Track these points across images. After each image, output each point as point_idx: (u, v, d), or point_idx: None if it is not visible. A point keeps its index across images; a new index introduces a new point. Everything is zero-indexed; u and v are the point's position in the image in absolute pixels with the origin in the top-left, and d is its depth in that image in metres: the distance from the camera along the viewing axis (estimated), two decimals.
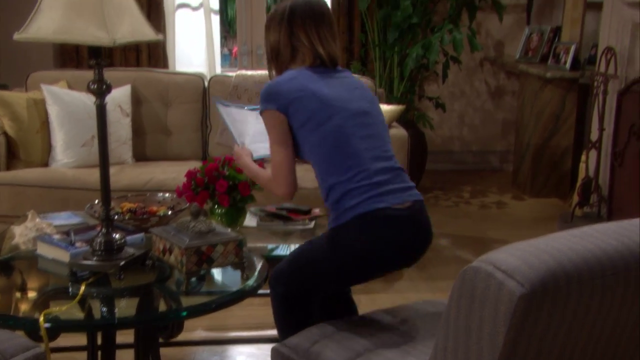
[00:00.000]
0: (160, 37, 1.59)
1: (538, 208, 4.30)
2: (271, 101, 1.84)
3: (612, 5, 3.59)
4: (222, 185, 2.45)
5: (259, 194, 2.57)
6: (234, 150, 2.13)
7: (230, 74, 3.77)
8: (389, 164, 1.84)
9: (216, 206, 2.48)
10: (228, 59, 5.95)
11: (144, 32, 1.49)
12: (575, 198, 3.69)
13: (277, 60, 1.95)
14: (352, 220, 1.76)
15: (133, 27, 1.43)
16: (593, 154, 3.66)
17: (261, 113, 1.89)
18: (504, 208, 4.34)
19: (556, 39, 4.49)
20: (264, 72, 3.75)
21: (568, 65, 4.17)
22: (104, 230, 1.78)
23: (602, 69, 3.54)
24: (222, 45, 6.98)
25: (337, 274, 1.84)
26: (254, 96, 3.59)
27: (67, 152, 3.25)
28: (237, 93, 3.62)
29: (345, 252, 1.79)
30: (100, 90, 1.60)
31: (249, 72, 3.70)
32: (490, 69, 5.14)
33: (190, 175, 2.51)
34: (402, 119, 4.53)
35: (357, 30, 4.79)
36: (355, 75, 2.44)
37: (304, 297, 1.87)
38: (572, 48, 4.16)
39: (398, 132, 3.47)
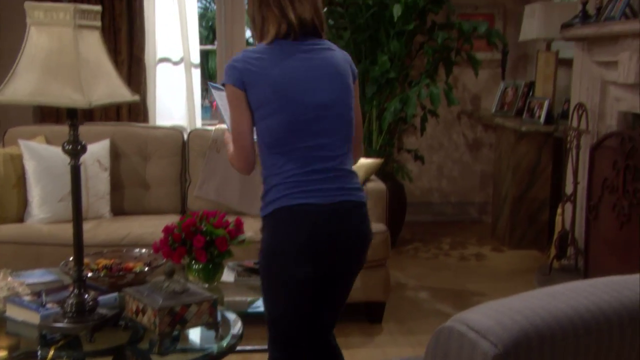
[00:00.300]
0: (136, 97, 1.61)
1: (517, 260, 4.32)
2: (230, 77, 1.78)
3: (581, 63, 3.70)
4: (200, 241, 2.44)
5: (237, 249, 2.56)
6: (224, 136, 2.03)
7: (209, 127, 3.80)
8: (331, 165, 1.79)
9: (193, 262, 2.46)
10: (209, 111, 6.01)
11: (121, 93, 1.50)
12: (553, 251, 3.72)
13: (255, 32, 1.89)
14: (272, 213, 1.77)
15: (109, 89, 1.44)
16: (569, 207, 3.72)
17: (223, 85, 1.82)
18: (483, 260, 4.35)
19: (530, 94, 4.61)
20: None
21: (542, 119, 4.27)
22: (76, 291, 1.75)
23: (575, 124, 3.62)
24: (204, 97, 7.06)
25: (281, 272, 1.78)
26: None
27: (44, 208, 3.22)
28: (217, 146, 3.64)
29: (270, 242, 1.79)
30: (75, 151, 1.61)
31: None
32: (467, 121, 5.24)
33: (167, 230, 2.49)
34: (381, 172, 4.57)
35: None
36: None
37: (295, 333, 1.83)
38: (546, 103, 4.27)
39: (376, 185, 3.51)
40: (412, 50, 4.51)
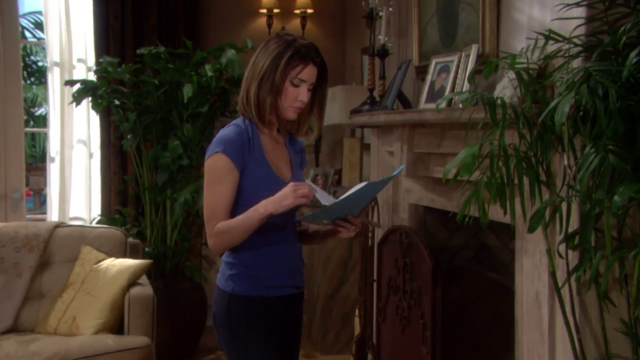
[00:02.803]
0: None
1: None
2: None
3: (377, 151, 3.65)
4: None
5: None
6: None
7: None
8: None
9: None
10: None
11: None
12: (351, 357, 3.53)
13: None
14: None
15: None
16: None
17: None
18: None
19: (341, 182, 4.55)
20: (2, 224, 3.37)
21: None
22: None
23: (370, 216, 3.52)
24: None
25: None
26: None
27: None
28: None
29: None
30: None
31: None
32: None
33: None
34: (177, 271, 4.27)
35: (131, 172, 4.59)
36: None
37: None
38: None
39: (141, 291, 3.18)
40: (212, 134, 4.33)
